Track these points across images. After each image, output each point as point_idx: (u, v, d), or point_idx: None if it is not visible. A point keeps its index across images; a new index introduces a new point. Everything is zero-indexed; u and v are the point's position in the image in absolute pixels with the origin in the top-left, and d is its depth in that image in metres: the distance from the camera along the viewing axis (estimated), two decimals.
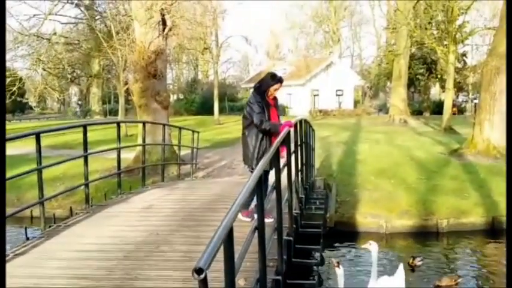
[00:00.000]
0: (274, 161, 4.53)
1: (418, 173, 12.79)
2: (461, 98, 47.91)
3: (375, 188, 11.83)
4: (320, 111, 40.41)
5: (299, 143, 6.93)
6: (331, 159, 14.51)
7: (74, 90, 53.19)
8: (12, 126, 30.59)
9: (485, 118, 14.64)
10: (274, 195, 4.49)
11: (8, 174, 5.56)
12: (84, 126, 7.38)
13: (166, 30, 13.64)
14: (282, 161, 5.02)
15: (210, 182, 11.42)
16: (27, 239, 5.87)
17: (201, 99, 46.34)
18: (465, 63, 39.50)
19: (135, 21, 13.85)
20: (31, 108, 49.91)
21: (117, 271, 4.63)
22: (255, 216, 3.86)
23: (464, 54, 38.78)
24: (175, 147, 13.31)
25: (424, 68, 39.00)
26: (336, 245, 9.72)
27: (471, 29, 28.29)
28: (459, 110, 41.10)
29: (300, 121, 7.37)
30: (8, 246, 5.60)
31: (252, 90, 6.21)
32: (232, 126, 24.83)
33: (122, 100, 26.16)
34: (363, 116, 38.80)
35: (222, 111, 36.55)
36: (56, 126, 17.08)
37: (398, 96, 29.69)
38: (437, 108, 36.25)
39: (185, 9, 15.04)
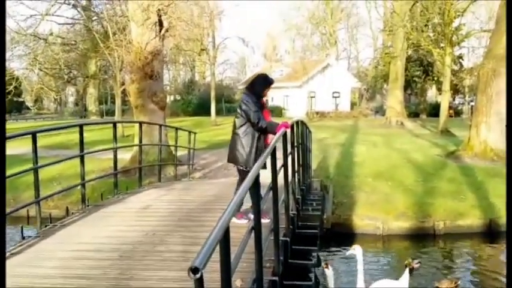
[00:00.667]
0: (271, 162, 4.50)
1: (415, 175, 12.80)
2: (457, 100, 48.06)
3: (371, 190, 11.83)
4: (317, 113, 40.38)
5: (295, 144, 6.93)
6: (328, 161, 14.50)
7: (70, 90, 53.05)
8: (9, 126, 30.34)
9: (482, 120, 14.67)
10: (270, 195, 4.48)
11: None
12: (81, 126, 7.37)
13: (163, 31, 13.63)
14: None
15: (206, 183, 11.41)
16: (23, 238, 5.87)
17: (198, 100, 46.29)
18: (461, 65, 39.50)
19: (132, 22, 13.81)
20: (28, 108, 49.81)
21: (113, 271, 4.61)
22: (251, 216, 3.85)
23: (460, 57, 38.84)
24: (172, 148, 13.31)
25: (420, 70, 39.01)
26: (333, 247, 9.71)
27: (467, 31, 28.43)
28: (456, 112, 41.15)
29: (297, 122, 7.36)
30: None
31: (244, 90, 6.18)
32: (229, 127, 24.22)
33: (118, 101, 26.13)
34: (360, 118, 38.79)
35: (219, 112, 36.46)
36: (52, 126, 17.02)
37: (395, 99, 29.76)
38: (434, 111, 36.28)
39: (182, 10, 15.05)
